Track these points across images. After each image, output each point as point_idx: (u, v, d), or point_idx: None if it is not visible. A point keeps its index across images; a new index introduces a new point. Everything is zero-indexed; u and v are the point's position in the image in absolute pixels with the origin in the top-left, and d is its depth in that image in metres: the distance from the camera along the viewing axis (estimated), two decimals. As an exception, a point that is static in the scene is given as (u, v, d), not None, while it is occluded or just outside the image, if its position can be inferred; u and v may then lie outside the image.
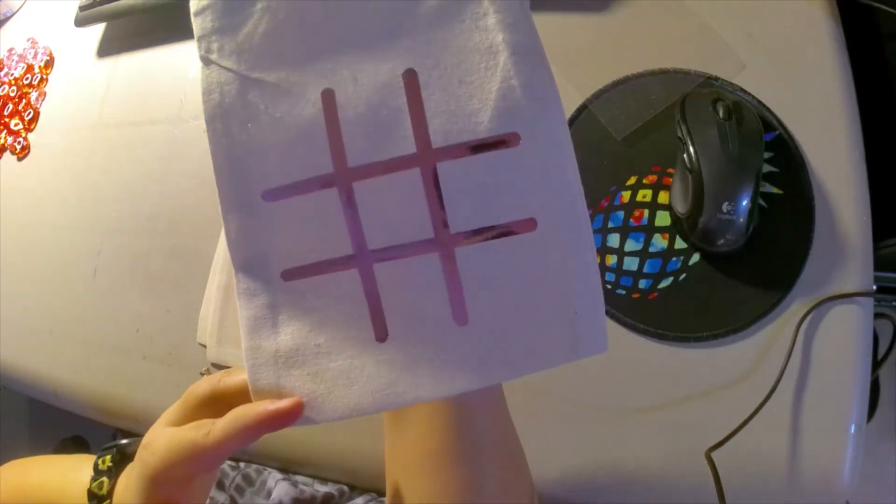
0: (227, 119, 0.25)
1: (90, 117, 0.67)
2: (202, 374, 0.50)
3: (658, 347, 0.41)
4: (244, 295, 0.26)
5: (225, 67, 0.26)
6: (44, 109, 0.71)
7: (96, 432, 0.69)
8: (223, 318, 0.51)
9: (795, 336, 0.39)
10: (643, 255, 0.43)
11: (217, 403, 0.27)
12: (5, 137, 0.71)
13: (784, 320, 0.40)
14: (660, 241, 0.43)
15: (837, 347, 0.39)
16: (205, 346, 0.52)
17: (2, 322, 0.63)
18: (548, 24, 0.50)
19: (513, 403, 0.32)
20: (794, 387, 0.38)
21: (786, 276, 0.40)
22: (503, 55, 0.24)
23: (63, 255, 0.62)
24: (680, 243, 0.43)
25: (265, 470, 0.48)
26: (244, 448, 0.43)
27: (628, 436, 0.41)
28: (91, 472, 0.34)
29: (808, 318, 0.39)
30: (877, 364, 0.45)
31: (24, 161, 0.70)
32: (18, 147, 0.70)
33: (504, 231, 0.24)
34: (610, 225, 0.44)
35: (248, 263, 0.26)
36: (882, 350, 0.48)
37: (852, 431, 0.37)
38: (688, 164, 0.40)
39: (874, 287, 0.39)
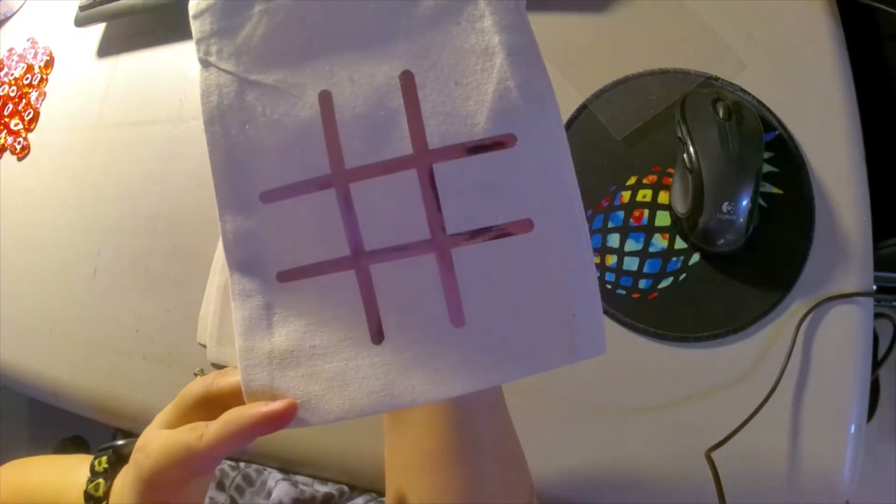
0: (225, 121, 0.26)
1: (90, 117, 0.67)
2: (196, 375, 0.51)
3: (658, 347, 0.41)
4: (239, 296, 0.26)
5: (223, 70, 0.26)
6: (44, 109, 0.71)
7: (96, 432, 0.69)
8: (223, 318, 0.51)
9: (795, 336, 0.39)
10: (643, 255, 0.43)
11: (211, 405, 0.27)
12: (5, 137, 0.71)
13: (784, 320, 0.40)
14: (660, 241, 0.43)
15: (837, 347, 0.39)
16: (205, 347, 0.52)
17: (2, 322, 0.63)
18: (547, 24, 0.50)
19: (513, 403, 0.32)
20: (794, 387, 0.38)
21: (786, 276, 0.40)
22: (499, 57, 0.24)
23: (63, 255, 0.62)
24: (680, 243, 0.42)
25: (265, 470, 0.48)
26: (243, 448, 0.43)
27: (628, 436, 0.40)
28: (88, 474, 0.34)
29: (808, 318, 0.39)
30: (877, 364, 0.45)
31: (24, 161, 0.70)
32: (18, 147, 0.70)
33: (501, 232, 0.24)
34: (610, 225, 0.44)
35: (243, 264, 0.26)
36: (882, 350, 0.48)
37: (852, 431, 0.37)
38: (688, 164, 0.40)
39: (874, 287, 0.39)
